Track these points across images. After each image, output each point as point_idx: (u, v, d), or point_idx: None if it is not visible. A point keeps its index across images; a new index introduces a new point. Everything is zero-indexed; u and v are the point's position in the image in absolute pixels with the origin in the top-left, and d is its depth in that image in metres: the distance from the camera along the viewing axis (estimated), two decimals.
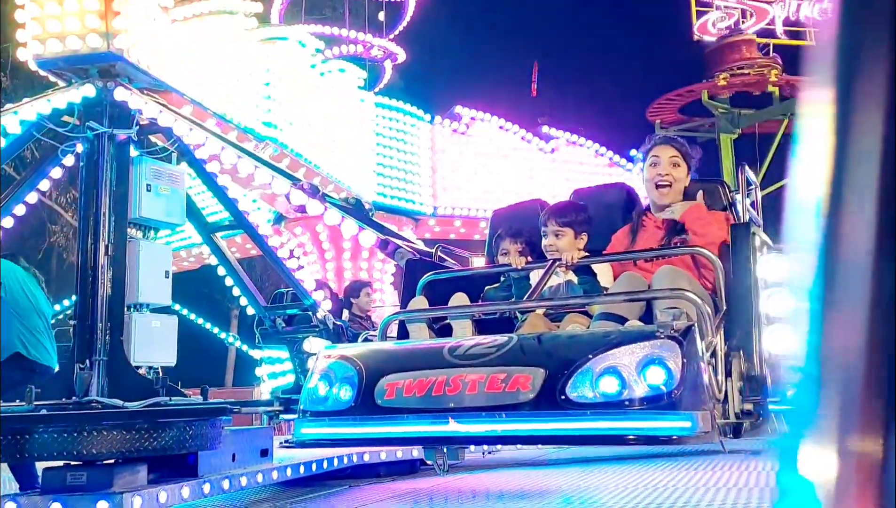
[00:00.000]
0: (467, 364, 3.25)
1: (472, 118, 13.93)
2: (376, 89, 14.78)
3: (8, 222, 7.63)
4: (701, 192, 4.31)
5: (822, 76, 0.67)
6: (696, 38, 24.40)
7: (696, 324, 3.17)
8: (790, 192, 0.73)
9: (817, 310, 0.64)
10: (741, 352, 3.57)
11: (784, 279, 3.57)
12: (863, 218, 0.62)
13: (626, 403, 2.96)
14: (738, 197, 4.25)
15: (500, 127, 14.10)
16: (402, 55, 15.84)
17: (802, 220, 0.66)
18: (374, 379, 3.36)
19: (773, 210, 4.84)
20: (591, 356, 3.07)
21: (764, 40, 24.14)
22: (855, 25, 0.66)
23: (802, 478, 0.63)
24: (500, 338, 3.39)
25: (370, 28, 15.78)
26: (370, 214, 7.94)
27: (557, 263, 4.03)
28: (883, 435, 0.58)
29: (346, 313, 8.81)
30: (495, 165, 13.89)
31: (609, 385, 2.99)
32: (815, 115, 0.68)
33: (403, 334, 4.30)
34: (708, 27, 24.47)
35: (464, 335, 3.88)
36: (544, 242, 4.27)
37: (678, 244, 3.99)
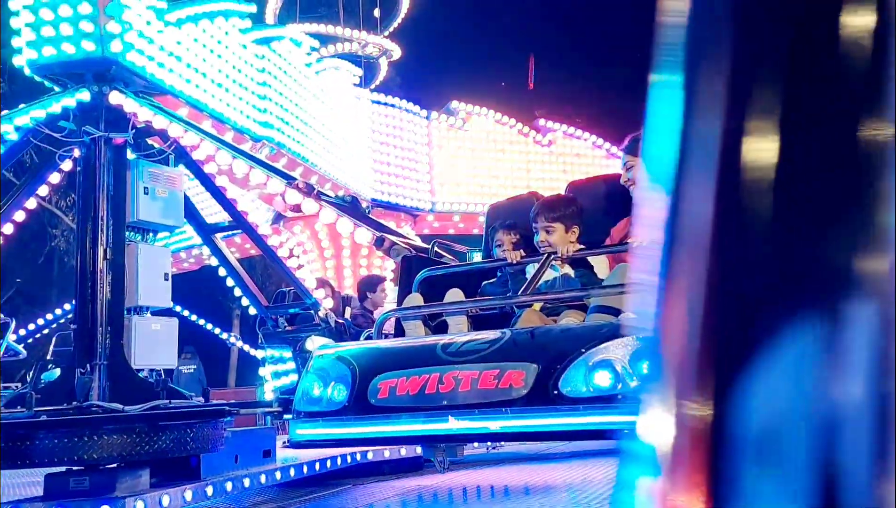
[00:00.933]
0: (460, 361, 3.25)
1: (469, 113, 13.91)
2: (372, 86, 14.74)
3: (8, 229, 7.64)
4: None
5: (672, 59, 0.72)
6: None
7: None
8: (644, 169, 0.78)
9: (661, 282, 0.69)
10: None
11: None
12: (702, 199, 0.67)
13: (620, 396, 2.96)
14: None
15: (497, 121, 14.08)
16: (397, 52, 15.81)
17: (653, 198, 0.71)
18: (367, 378, 3.36)
19: None
20: (583, 350, 3.06)
21: None
22: (704, 11, 0.70)
23: (644, 443, 0.67)
24: (493, 334, 3.39)
25: (365, 25, 15.74)
26: (367, 211, 7.94)
27: (553, 256, 4.03)
28: (713, 401, 0.63)
29: (348, 311, 8.78)
30: (492, 159, 13.88)
31: (602, 379, 2.99)
32: (664, 97, 0.72)
33: (400, 331, 4.29)
34: None
35: (459, 331, 3.87)
36: (537, 238, 4.25)
37: None
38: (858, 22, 0.65)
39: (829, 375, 0.62)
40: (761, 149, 0.65)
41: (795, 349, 0.62)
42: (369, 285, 9.23)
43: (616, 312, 3.65)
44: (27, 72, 7.32)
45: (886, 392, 0.61)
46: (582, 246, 4.17)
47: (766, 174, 0.65)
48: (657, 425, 0.66)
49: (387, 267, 11.65)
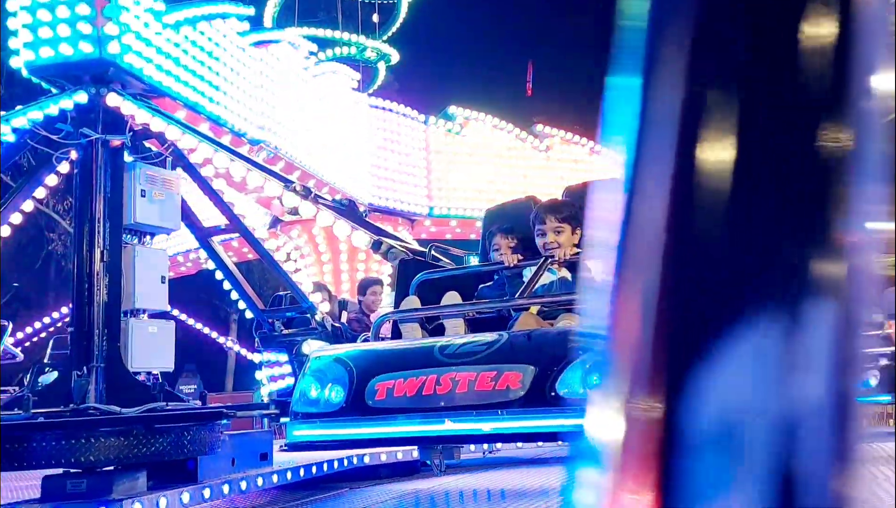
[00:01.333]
0: (458, 363, 3.25)
1: (467, 118, 13.92)
2: (370, 91, 14.77)
3: (5, 231, 7.64)
4: None
5: (630, 62, 0.72)
6: None
7: None
8: (602, 172, 0.78)
9: (615, 282, 0.69)
10: None
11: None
12: (658, 198, 0.67)
13: None
14: None
15: (495, 126, 14.10)
16: (395, 56, 15.85)
17: (609, 199, 0.71)
18: (364, 380, 3.36)
19: None
20: (580, 353, 3.07)
21: None
22: (664, 16, 0.71)
23: (591, 442, 0.68)
24: (491, 336, 3.39)
25: (364, 30, 15.78)
26: (364, 215, 7.94)
27: (550, 260, 4.02)
28: (665, 399, 0.64)
29: (344, 315, 8.78)
30: (490, 164, 13.88)
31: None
32: (622, 99, 0.73)
33: (397, 333, 4.29)
34: None
35: (456, 334, 3.87)
36: (543, 240, 4.21)
37: None
38: (819, 27, 0.66)
39: (784, 374, 0.62)
40: (718, 148, 0.66)
41: (750, 347, 0.62)
42: (361, 288, 9.22)
43: None
44: (24, 73, 7.32)
45: (842, 391, 0.62)
46: (579, 250, 4.17)
47: (723, 172, 0.65)
48: (607, 423, 0.66)
49: (384, 271, 11.66)
